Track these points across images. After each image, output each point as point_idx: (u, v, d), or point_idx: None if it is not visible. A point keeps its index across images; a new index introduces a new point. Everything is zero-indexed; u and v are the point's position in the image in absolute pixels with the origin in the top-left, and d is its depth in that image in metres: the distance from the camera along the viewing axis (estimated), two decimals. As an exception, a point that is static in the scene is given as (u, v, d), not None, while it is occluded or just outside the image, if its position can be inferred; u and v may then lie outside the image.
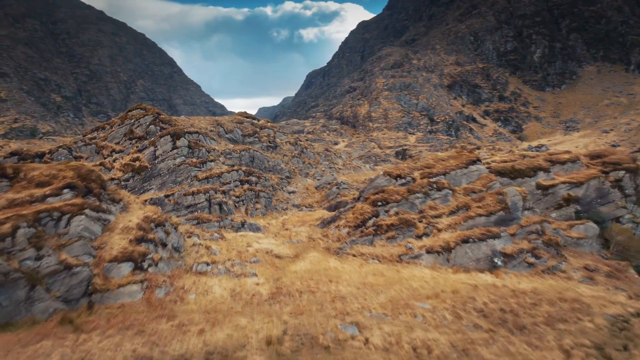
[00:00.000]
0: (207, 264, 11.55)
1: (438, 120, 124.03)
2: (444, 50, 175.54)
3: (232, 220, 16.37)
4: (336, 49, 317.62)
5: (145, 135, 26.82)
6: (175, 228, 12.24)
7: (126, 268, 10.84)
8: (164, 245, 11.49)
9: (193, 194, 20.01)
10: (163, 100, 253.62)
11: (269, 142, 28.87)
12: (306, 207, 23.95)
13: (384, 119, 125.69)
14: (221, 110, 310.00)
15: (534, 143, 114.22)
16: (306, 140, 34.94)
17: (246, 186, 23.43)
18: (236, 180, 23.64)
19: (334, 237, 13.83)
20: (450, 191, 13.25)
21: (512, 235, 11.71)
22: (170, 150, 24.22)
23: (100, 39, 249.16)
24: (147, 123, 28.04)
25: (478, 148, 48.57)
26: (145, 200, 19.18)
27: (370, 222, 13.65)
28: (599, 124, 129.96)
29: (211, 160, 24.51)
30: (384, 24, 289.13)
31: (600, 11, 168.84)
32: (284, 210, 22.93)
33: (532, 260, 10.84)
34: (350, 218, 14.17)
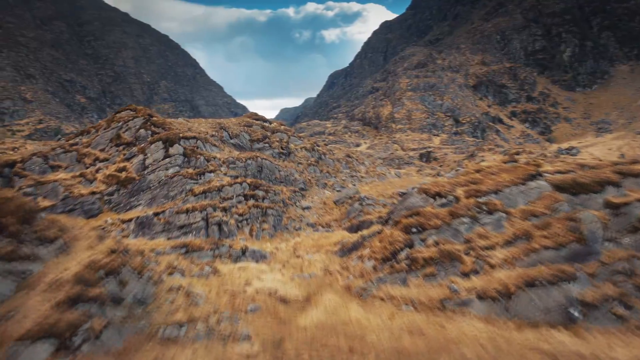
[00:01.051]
0: (181, 325, 8.19)
1: (463, 121, 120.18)
2: (469, 50, 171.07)
3: (230, 247, 13.71)
4: (358, 49, 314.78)
5: (135, 140, 22.77)
6: (139, 273, 8.90)
7: (43, 350, 6.56)
8: (118, 301, 7.98)
9: (188, 211, 17.04)
10: (185, 101, 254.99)
11: (281, 148, 24.85)
12: (323, 226, 20.01)
13: (408, 120, 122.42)
14: (243, 110, 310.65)
15: (564, 145, 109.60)
16: (325, 144, 30.90)
17: (251, 202, 20.32)
18: (240, 195, 20.42)
19: (356, 271, 11.05)
20: (504, 214, 10.06)
21: (592, 275, 8.67)
22: (162, 159, 20.83)
23: (125, 40, 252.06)
24: (137, 127, 23.84)
25: (517, 153, 43.93)
26: (130, 219, 16.89)
27: (403, 254, 10.50)
28: (633, 125, 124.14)
29: (211, 171, 21.37)
30: (407, 24, 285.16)
31: (634, 8, 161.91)
32: (297, 230, 19.49)
33: (621, 311, 7.97)
34: (376, 247, 11.27)
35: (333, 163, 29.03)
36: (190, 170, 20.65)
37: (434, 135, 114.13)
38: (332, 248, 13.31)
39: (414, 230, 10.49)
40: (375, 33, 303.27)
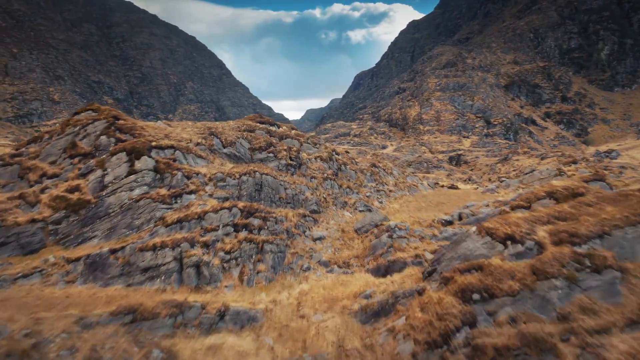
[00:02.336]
0: None
1: (495, 122, 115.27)
2: (500, 49, 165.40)
3: (203, 309, 9.83)
4: (384, 50, 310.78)
5: (94, 150, 17.13)
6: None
7: None
8: None
9: (155, 248, 12.40)
10: (211, 102, 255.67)
11: (290, 158, 19.58)
12: (340, 266, 14.66)
13: (436, 121, 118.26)
14: (268, 111, 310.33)
15: (602, 148, 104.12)
16: (346, 152, 24.74)
17: (244, 234, 15.17)
18: (228, 225, 15.31)
19: (387, 354, 7.65)
20: (619, 273, 6.26)
21: None
22: (125, 176, 15.57)
23: (152, 42, 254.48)
24: (97, 132, 17.94)
25: (574, 162, 38.81)
26: (79, 258, 12.34)
27: (460, 338, 6.51)
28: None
29: (191, 192, 16.46)
30: (435, 23, 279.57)
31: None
32: (304, 271, 14.46)
33: None
34: (417, 318, 7.56)
35: (355, 175, 23.35)
36: (163, 191, 15.94)
37: (464, 137, 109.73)
38: (352, 304, 9.58)
39: (476, 296, 6.90)
40: (402, 33, 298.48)
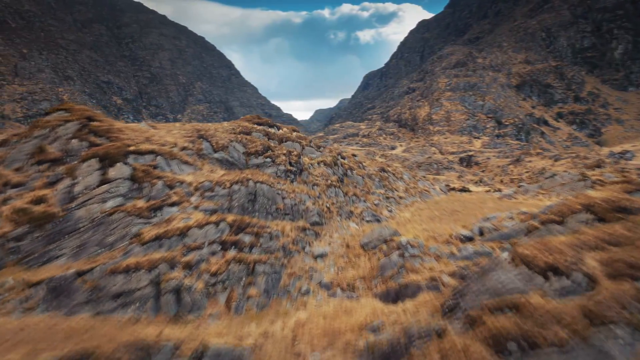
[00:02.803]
0: None
1: (506, 123, 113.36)
2: (511, 48, 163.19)
3: (176, 350, 8.31)
4: (393, 50, 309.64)
5: (64, 156, 14.43)
6: None
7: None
8: None
9: (129, 270, 10.53)
10: (220, 102, 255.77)
11: (290, 164, 17.38)
12: (343, 289, 12.57)
13: (446, 121, 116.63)
14: (277, 112, 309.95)
15: (617, 148, 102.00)
16: (353, 156, 22.42)
17: (232, 253, 12.82)
18: (215, 242, 12.88)
19: None
20: None
21: None
22: (97, 186, 13.17)
23: (162, 42, 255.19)
24: (68, 135, 15.07)
25: (598, 165, 35.40)
26: (41, 281, 10.19)
27: None
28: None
29: (173, 204, 14.00)
30: (445, 23, 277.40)
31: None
32: (303, 295, 12.38)
33: None
34: None
35: (362, 181, 21.03)
36: (141, 203, 13.44)
37: (475, 137, 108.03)
38: (356, 339, 8.06)
39: (513, 346, 5.58)
40: (412, 32, 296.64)
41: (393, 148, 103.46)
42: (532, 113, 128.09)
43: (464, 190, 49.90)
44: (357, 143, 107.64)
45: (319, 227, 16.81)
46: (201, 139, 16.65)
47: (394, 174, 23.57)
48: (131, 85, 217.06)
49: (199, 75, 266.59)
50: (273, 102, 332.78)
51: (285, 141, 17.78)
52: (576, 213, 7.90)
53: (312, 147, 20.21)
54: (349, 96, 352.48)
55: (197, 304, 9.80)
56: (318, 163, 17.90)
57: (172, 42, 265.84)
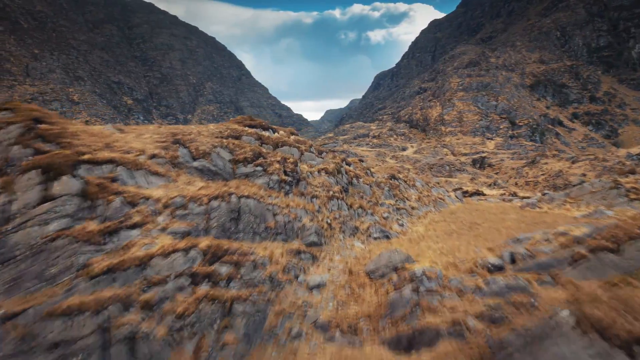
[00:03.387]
0: None
1: (520, 123, 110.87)
2: (525, 48, 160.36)
3: None
4: (403, 51, 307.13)
5: (3, 166, 11.37)
6: None
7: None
8: None
9: (70, 313, 8.02)
10: (230, 102, 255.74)
11: (285, 172, 14.73)
12: (344, 331, 9.85)
13: (459, 122, 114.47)
14: (287, 112, 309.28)
15: (634, 150, 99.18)
16: (359, 161, 19.49)
17: (204, 288, 10.20)
18: (183, 275, 10.26)
19: None
20: None
21: None
22: (38, 204, 10.21)
23: (173, 42, 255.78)
24: (10, 140, 11.91)
25: (632, 172, 31.89)
26: None
27: None
28: None
29: (134, 225, 11.02)
30: (457, 22, 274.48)
31: None
32: (293, 339, 9.83)
33: None
34: None
35: (370, 191, 18.47)
36: (92, 226, 10.46)
37: (488, 138, 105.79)
38: None
39: None
40: (423, 32, 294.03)
41: (404, 149, 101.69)
42: (547, 113, 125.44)
43: (478, 193, 48.17)
44: (367, 144, 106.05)
45: (317, 248, 13.93)
46: (177, 145, 13.51)
47: (405, 181, 20.53)
48: (142, 86, 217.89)
49: (209, 76, 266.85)
50: (283, 102, 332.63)
51: (281, 146, 15.16)
52: (636, 239, 6.26)
53: (312, 152, 17.50)
54: (359, 96, 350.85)
55: (157, 356, 7.71)
56: (319, 171, 15.49)
57: (182, 42, 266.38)
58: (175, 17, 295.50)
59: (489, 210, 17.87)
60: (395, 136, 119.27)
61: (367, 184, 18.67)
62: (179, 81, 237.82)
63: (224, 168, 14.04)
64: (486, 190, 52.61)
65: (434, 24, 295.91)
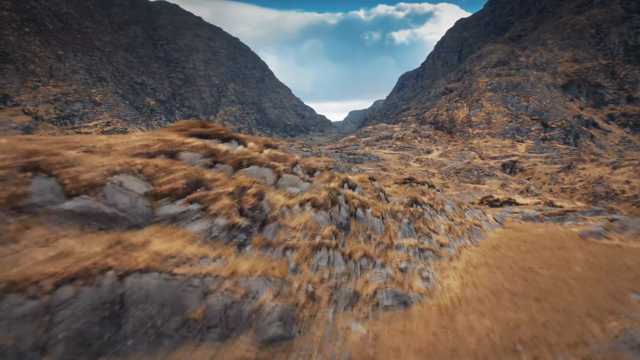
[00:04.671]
0: None
1: (553, 125, 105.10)
2: (557, 46, 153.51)
3: None
4: (428, 51, 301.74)
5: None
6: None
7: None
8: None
9: None
10: (252, 103, 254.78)
11: (241, 212, 8.11)
12: None
13: (487, 124, 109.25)
14: (310, 113, 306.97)
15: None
16: (370, 180, 15.09)
17: None
18: None
19: None
20: None
21: None
22: None
23: (196, 43, 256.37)
24: None
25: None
26: None
27: None
28: None
29: None
30: (484, 21, 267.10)
31: None
32: None
33: None
34: None
35: (381, 225, 12.69)
36: None
37: (518, 141, 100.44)
38: None
39: None
40: (449, 31, 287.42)
41: (429, 152, 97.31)
42: (581, 115, 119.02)
43: (510, 202, 43.96)
44: (390, 146, 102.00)
45: (282, 347, 7.30)
46: (33, 172, 6.88)
47: (431, 206, 14.27)
48: (165, 87, 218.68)
49: (232, 77, 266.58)
50: (307, 103, 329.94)
51: (246, 166, 9.77)
52: None
53: (296, 174, 11.51)
54: (384, 97, 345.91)
55: None
56: (301, 204, 9.86)
57: (206, 43, 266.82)
58: (199, 18, 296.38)
59: (541, 242, 13.44)
60: (419, 138, 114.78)
61: (378, 216, 12.58)
62: (202, 82, 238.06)
63: (132, 208, 7.72)
64: (519, 199, 48.40)
65: (461, 23, 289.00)
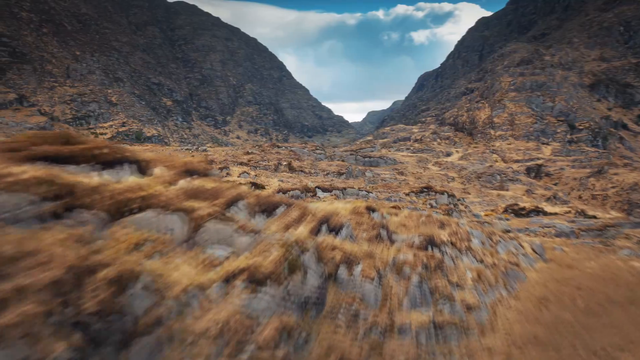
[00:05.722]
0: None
1: (580, 127, 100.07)
2: (583, 44, 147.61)
3: None
4: (448, 51, 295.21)
5: None
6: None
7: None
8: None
9: None
10: (270, 104, 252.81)
11: (75, 320, 3.19)
12: None
13: (510, 125, 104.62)
14: (328, 114, 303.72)
15: None
16: (367, 211, 8.68)
17: None
18: None
19: None
20: None
21: None
22: None
23: (214, 44, 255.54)
24: None
25: None
26: None
27: None
28: None
29: None
30: (506, 20, 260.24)
31: None
32: None
33: None
34: None
35: (376, 292, 7.17)
36: None
37: (543, 143, 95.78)
38: None
39: None
40: (470, 30, 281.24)
41: (448, 154, 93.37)
42: (609, 116, 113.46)
43: (537, 211, 40.30)
44: (407, 149, 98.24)
45: None
46: None
47: (453, 244, 9.72)
48: (182, 87, 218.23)
49: (249, 77, 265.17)
50: (325, 104, 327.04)
51: (137, 211, 5.29)
52: None
53: (230, 220, 6.22)
54: (402, 98, 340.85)
55: None
56: (227, 280, 5.00)
57: (223, 43, 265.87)
58: (217, 18, 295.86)
59: (603, 291, 9.42)
60: (438, 140, 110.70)
61: (373, 277, 7.44)
62: (219, 82, 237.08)
63: None
64: (547, 207, 44.70)
65: (482, 22, 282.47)
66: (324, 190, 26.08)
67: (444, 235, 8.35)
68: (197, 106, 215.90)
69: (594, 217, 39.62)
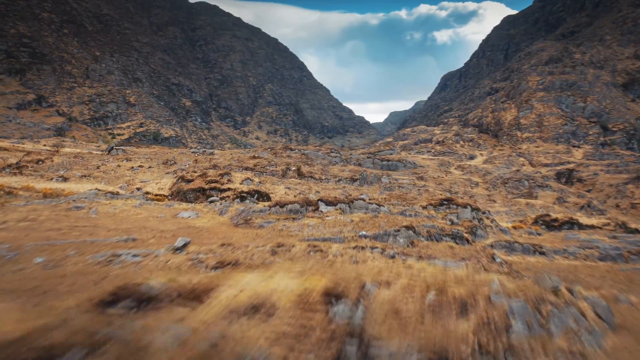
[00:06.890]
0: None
1: (614, 128, 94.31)
2: (616, 42, 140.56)
3: None
4: (471, 51, 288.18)
5: None
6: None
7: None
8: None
9: None
10: (290, 104, 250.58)
11: None
12: None
13: (538, 127, 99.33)
14: (349, 114, 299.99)
15: None
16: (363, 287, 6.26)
17: None
18: None
19: None
20: None
21: None
22: None
23: (234, 44, 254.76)
24: None
25: None
26: None
27: None
28: None
29: None
30: (533, 18, 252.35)
31: None
32: None
33: None
34: None
35: None
36: None
37: (574, 146, 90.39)
38: None
39: None
40: (495, 29, 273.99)
41: (472, 157, 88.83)
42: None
43: (571, 223, 36.04)
44: (428, 151, 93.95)
45: None
46: None
47: (482, 348, 5.88)
48: (202, 88, 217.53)
49: (269, 77, 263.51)
50: (346, 104, 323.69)
51: None
52: None
53: None
54: (425, 98, 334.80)
55: None
56: None
57: (244, 43, 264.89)
58: (239, 18, 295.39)
59: None
60: (461, 142, 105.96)
61: None
62: (239, 83, 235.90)
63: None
64: (582, 218, 40.25)
65: (507, 20, 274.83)
66: (328, 203, 22.77)
67: (466, 332, 4.03)
68: (217, 107, 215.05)
69: (637, 231, 35.23)
